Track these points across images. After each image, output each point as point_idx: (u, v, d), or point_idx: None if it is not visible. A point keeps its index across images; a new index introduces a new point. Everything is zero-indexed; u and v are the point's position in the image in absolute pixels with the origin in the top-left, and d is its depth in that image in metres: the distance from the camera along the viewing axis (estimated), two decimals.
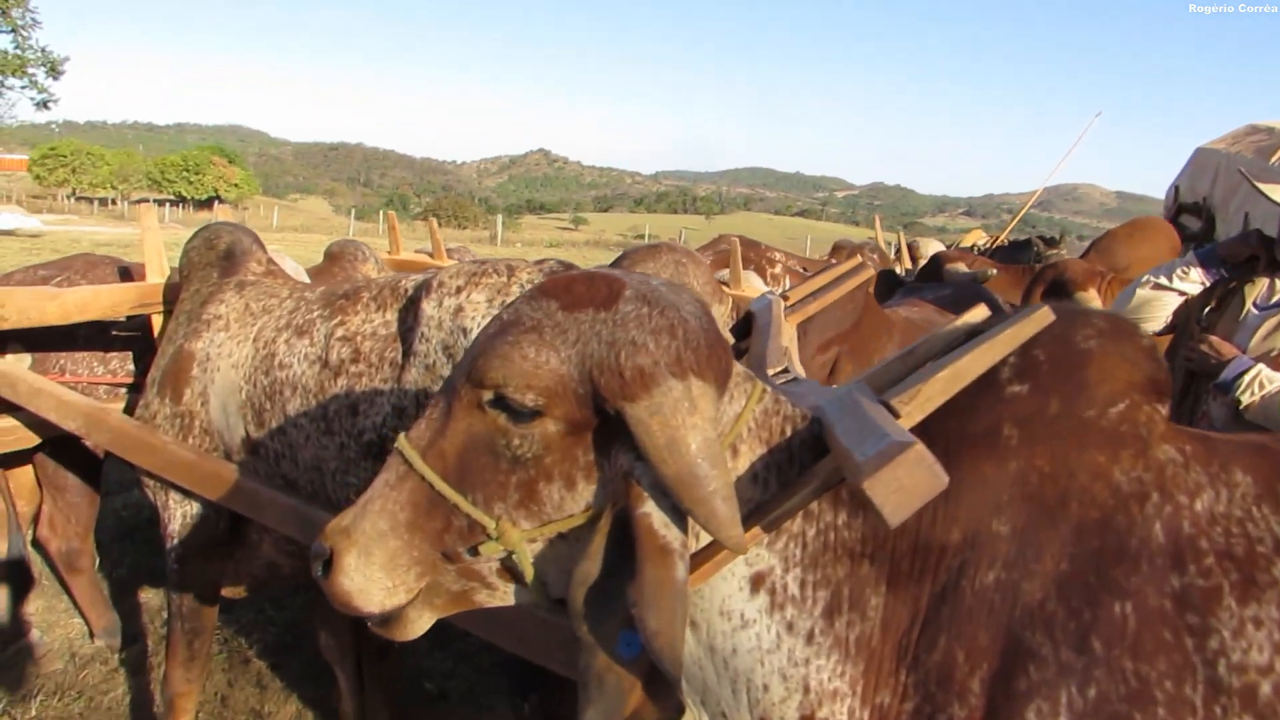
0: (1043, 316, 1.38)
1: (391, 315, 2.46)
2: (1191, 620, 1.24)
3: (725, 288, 4.34)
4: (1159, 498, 1.31)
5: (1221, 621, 1.24)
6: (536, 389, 1.27)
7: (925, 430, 1.33)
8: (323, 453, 2.45)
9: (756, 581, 1.37)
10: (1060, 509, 1.31)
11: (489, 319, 2.27)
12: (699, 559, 1.35)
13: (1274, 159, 7.54)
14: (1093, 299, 3.88)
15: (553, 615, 1.79)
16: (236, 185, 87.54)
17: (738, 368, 1.39)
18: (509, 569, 1.39)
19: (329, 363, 2.45)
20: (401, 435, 1.42)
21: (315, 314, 2.59)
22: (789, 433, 1.40)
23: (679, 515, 1.26)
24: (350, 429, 2.39)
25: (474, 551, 1.36)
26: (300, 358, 2.53)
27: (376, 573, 1.39)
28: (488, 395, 1.31)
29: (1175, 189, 8.79)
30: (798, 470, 1.38)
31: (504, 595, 1.44)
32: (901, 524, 1.30)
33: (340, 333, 2.48)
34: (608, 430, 1.30)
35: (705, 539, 1.36)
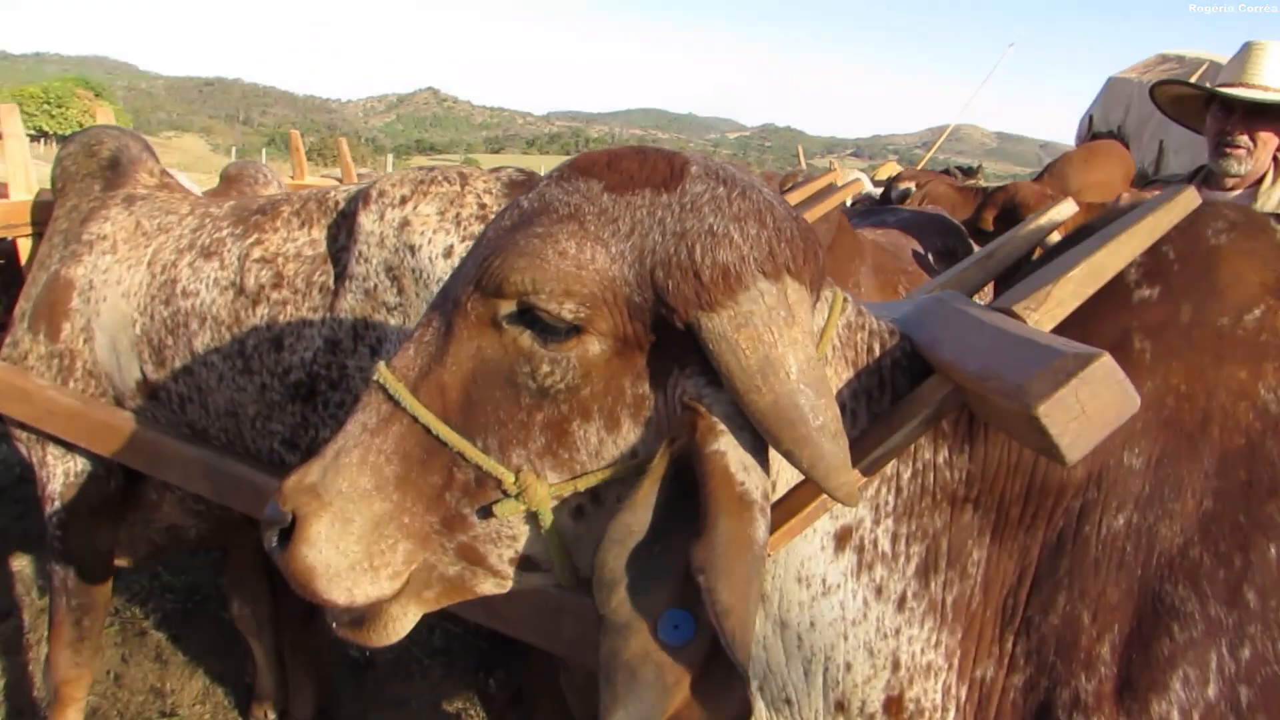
0: (1189, 199, 1.14)
1: (319, 232, 2.08)
2: None
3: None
4: None
5: None
6: (579, 296, 0.97)
7: None
8: (239, 395, 2.09)
9: (842, 538, 1.12)
10: (1201, 435, 1.13)
11: (445, 232, 1.92)
12: (779, 514, 1.07)
13: None
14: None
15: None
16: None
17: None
18: (521, 551, 1.10)
19: (245, 289, 2.07)
20: (381, 364, 1.10)
21: (225, 232, 2.19)
22: (878, 351, 1.15)
23: (762, 456, 0.99)
24: (273, 366, 2.03)
25: (486, 513, 1.06)
26: (208, 284, 2.14)
27: (354, 546, 1.08)
28: (508, 308, 1.01)
29: (1089, 118, 8.93)
30: (890, 398, 1.14)
31: (516, 583, 1.14)
32: (1015, 460, 1.12)
33: (257, 253, 2.09)
34: (668, 351, 1.01)
35: (783, 488, 1.10)
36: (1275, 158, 2.96)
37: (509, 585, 1.14)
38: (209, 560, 4.17)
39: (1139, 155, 8.01)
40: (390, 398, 1.09)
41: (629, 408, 1.03)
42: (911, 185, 5.24)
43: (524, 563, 1.11)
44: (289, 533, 1.10)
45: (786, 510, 1.08)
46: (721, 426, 0.97)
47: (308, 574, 1.08)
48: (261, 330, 2.05)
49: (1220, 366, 1.14)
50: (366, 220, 1.96)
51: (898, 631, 1.14)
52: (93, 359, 2.35)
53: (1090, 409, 0.88)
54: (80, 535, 2.53)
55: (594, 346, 1.00)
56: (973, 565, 1.14)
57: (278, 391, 2.04)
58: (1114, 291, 1.17)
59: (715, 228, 0.97)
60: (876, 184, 7.36)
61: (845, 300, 1.15)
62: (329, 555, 1.08)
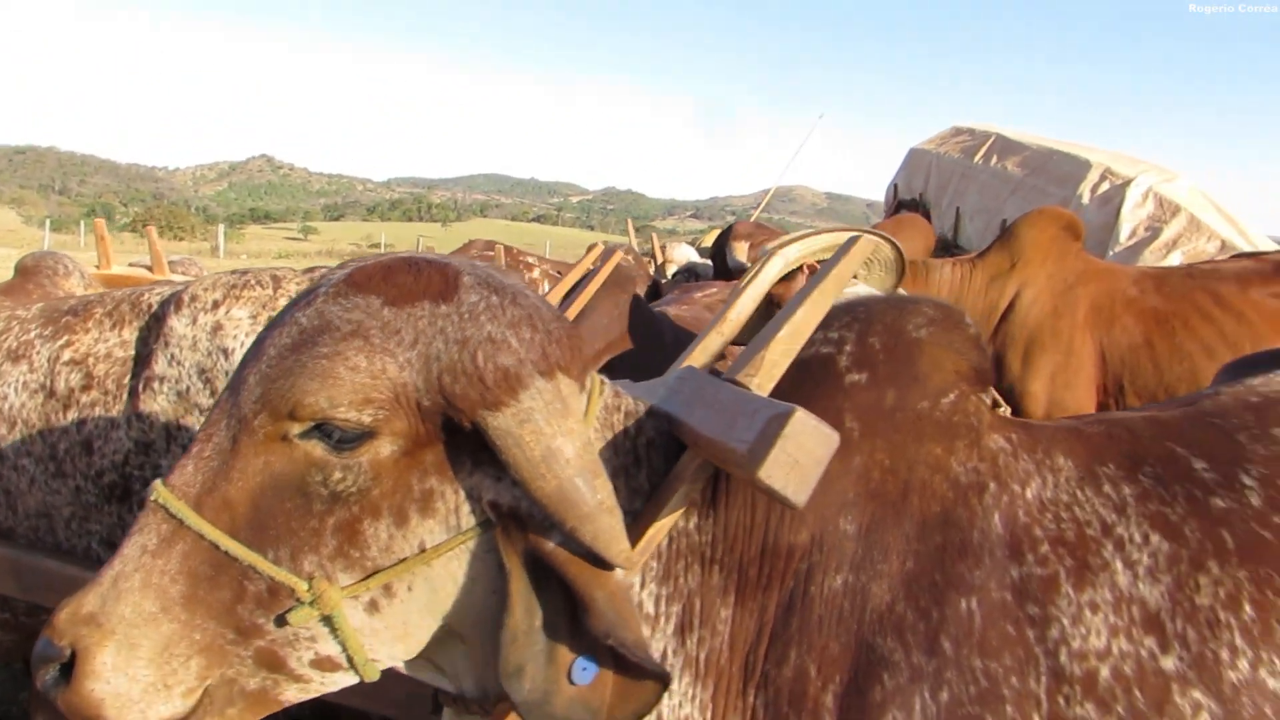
0: (864, 247, 1.33)
1: (131, 334, 2.12)
2: (1032, 611, 1.24)
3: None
4: (996, 488, 1.31)
5: (1060, 610, 1.24)
6: (377, 402, 1.06)
7: None
8: (53, 499, 2.08)
9: None
10: (903, 504, 1.28)
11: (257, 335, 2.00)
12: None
13: (977, 157, 8.34)
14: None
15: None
16: None
17: None
18: (324, 653, 1.14)
19: (55, 391, 2.08)
20: (158, 483, 1.11)
21: (33, 334, 2.19)
22: (633, 430, 1.28)
23: (570, 538, 1.11)
24: (85, 470, 2.04)
25: (281, 621, 1.10)
26: (17, 387, 2.13)
27: (144, 670, 1.07)
28: (300, 427, 1.07)
29: (894, 186, 9.61)
30: (646, 473, 1.27)
31: (320, 686, 1.18)
32: (750, 524, 1.25)
33: (68, 355, 2.11)
34: (455, 448, 1.12)
35: None
36: None
37: (313, 689, 1.17)
38: (9, 673, 3.89)
39: (939, 222, 8.66)
40: (172, 516, 1.08)
41: (417, 503, 1.11)
42: (745, 259, 5.42)
43: (325, 663, 1.14)
44: (69, 667, 1.07)
45: None
46: (549, 523, 1.09)
47: (96, 707, 1.06)
48: (72, 433, 2.05)
49: (920, 444, 1.30)
50: (179, 324, 2.02)
51: None
52: None
53: (800, 458, 1.02)
54: None
55: (386, 449, 1.08)
56: (721, 623, 1.25)
57: (92, 494, 2.04)
58: (828, 376, 1.32)
59: (494, 335, 1.07)
60: (702, 251, 7.68)
61: (603, 383, 1.27)
62: (118, 684, 1.06)
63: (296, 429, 1.08)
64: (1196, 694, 1.23)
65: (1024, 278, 4.38)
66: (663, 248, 8.36)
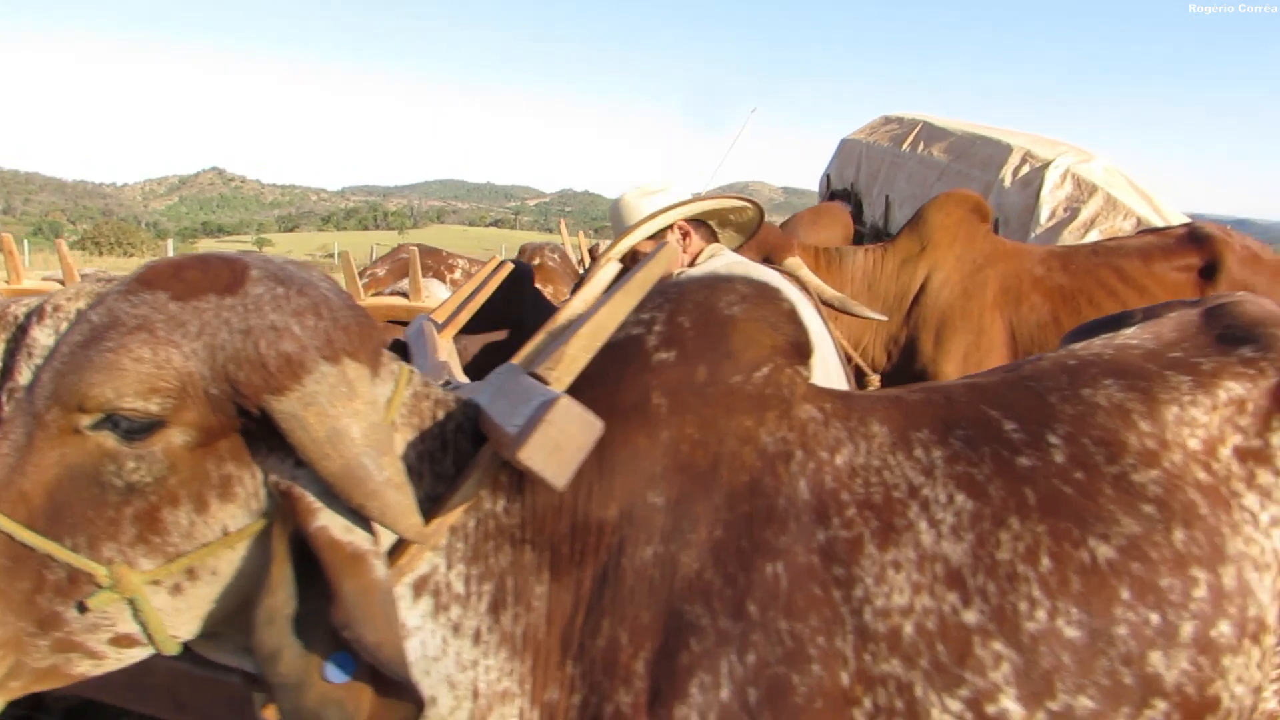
0: (668, 253, 1.38)
1: None
2: (838, 572, 1.29)
3: (404, 299, 4.18)
4: (803, 455, 1.35)
5: (864, 570, 1.29)
6: (163, 391, 1.09)
7: None
8: None
9: (419, 586, 1.27)
10: (712, 476, 1.32)
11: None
12: (392, 558, 1.23)
13: (905, 145, 8.45)
14: (797, 266, 4.16)
15: (208, 670, 1.58)
16: None
17: (385, 350, 1.29)
18: (124, 631, 1.17)
19: None
20: None
21: None
22: (441, 417, 1.32)
23: (356, 515, 1.14)
24: None
25: (82, 608, 1.13)
26: None
27: None
28: (90, 419, 1.10)
29: (827, 177, 9.68)
30: (453, 459, 1.31)
31: (116, 661, 1.21)
32: (558, 504, 1.28)
33: None
34: (250, 435, 1.16)
35: (386, 544, 1.25)
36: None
37: (108, 664, 1.20)
38: None
39: (870, 210, 8.75)
40: None
41: (216, 489, 1.15)
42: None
43: (123, 640, 1.17)
44: None
45: (395, 555, 1.23)
46: (318, 504, 1.12)
47: None
48: None
49: (730, 417, 1.34)
50: (41, 334, 2.02)
51: (475, 663, 1.27)
52: None
53: (563, 442, 1.07)
54: None
55: (178, 438, 1.12)
56: (536, 599, 1.29)
57: None
58: (636, 356, 1.36)
59: (277, 323, 1.11)
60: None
61: (412, 373, 1.31)
62: None
63: (87, 421, 1.10)
64: (997, 645, 1.28)
65: (933, 261, 4.46)
66: (592, 248, 8.42)
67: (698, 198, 2.38)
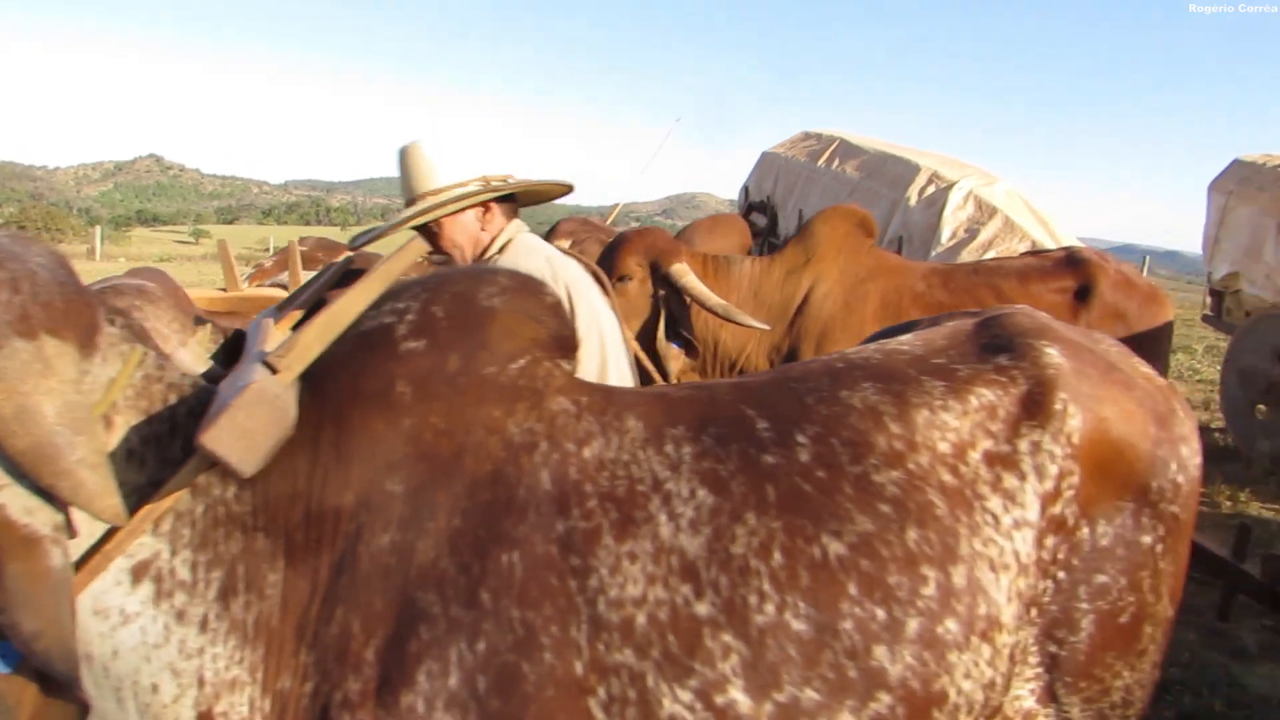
0: (415, 247, 1.38)
1: None
2: (575, 563, 1.30)
3: (284, 290, 4.12)
4: (548, 446, 1.36)
5: (600, 560, 1.31)
6: None
7: (316, 389, 1.29)
8: None
9: (139, 571, 1.25)
10: (455, 465, 1.32)
11: None
12: (87, 555, 1.21)
13: (820, 161, 8.59)
14: (682, 273, 4.20)
15: None
16: None
17: (112, 330, 1.27)
18: None
19: None
20: None
21: None
22: (173, 401, 1.30)
23: (47, 496, 1.12)
24: None
25: None
26: None
27: None
28: None
29: (746, 189, 9.80)
30: (182, 444, 1.29)
31: None
32: (292, 491, 1.26)
33: None
34: None
35: (100, 529, 1.22)
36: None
37: None
38: None
39: (785, 223, 8.87)
40: None
41: None
42: None
43: None
44: None
45: (96, 547, 1.20)
46: (1, 481, 1.10)
47: None
48: None
49: (480, 407, 1.35)
50: None
51: (201, 651, 1.25)
52: None
53: (252, 429, 1.08)
54: None
55: None
56: (270, 587, 1.27)
57: None
58: (384, 344, 1.35)
59: None
60: None
61: (145, 355, 1.29)
62: None
63: None
64: (726, 637, 1.30)
65: (818, 272, 4.53)
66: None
67: (507, 181, 2.32)
